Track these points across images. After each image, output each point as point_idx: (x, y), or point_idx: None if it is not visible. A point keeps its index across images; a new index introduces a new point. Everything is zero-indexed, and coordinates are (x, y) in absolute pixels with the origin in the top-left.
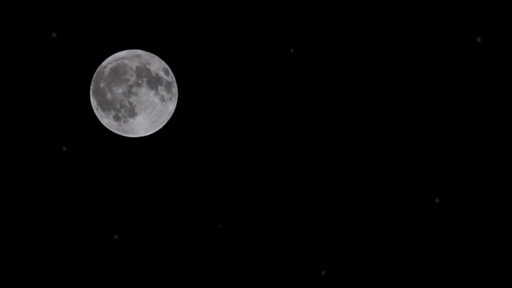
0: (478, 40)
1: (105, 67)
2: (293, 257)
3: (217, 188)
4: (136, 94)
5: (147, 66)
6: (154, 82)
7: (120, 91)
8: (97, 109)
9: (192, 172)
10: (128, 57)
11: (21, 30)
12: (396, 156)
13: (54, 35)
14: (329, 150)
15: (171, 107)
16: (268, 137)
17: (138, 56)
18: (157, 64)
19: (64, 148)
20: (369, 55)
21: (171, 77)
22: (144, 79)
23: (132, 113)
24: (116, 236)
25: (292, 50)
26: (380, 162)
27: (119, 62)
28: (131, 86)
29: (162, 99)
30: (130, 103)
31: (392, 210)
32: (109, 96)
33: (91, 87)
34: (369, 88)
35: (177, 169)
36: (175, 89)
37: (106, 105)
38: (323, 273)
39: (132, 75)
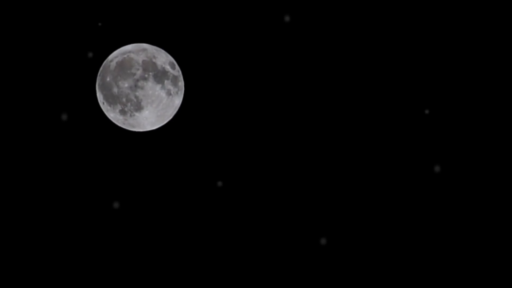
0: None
1: (111, 61)
2: (292, 226)
3: (223, 181)
4: (142, 88)
5: (153, 60)
6: (160, 76)
7: (126, 85)
8: (103, 103)
9: (198, 166)
10: (134, 51)
11: (27, 25)
12: (394, 128)
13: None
14: (330, 125)
15: (178, 101)
16: (273, 131)
17: (144, 50)
18: (163, 58)
19: (65, 117)
20: (367, 23)
21: (177, 71)
22: (150, 73)
23: (138, 107)
24: (120, 229)
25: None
26: (378, 136)
27: (125, 56)
28: (137, 80)
29: (169, 93)
30: (136, 97)
31: (392, 179)
32: (115, 90)
33: (97, 81)
34: (367, 60)
35: (184, 163)
36: (181, 83)
37: (112, 99)
38: (323, 241)
39: (138, 69)
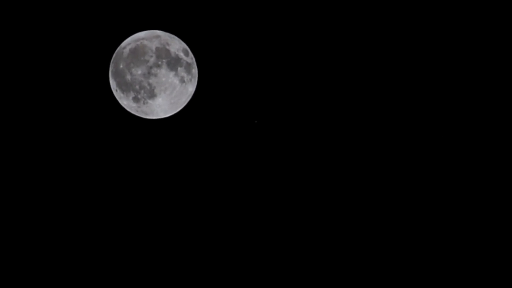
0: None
1: (124, 48)
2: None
3: (235, 169)
4: (155, 75)
5: (167, 47)
6: (173, 63)
7: (139, 72)
8: (116, 90)
9: (212, 153)
10: (147, 38)
11: (40, 13)
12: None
13: None
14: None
15: (191, 88)
16: (287, 118)
17: (158, 36)
18: (176, 45)
19: (78, 104)
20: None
21: (191, 58)
22: (163, 60)
23: (152, 95)
24: (132, 217)
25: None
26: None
27: (139, 43)
28: (151, 67)
29: (182, 80)
30: (149, 84)
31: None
32: (128, 77)
33: (110, 68)
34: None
35: (197, 151)
36: (195, 70)
37: (125, 87)
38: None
39: (151, 56)
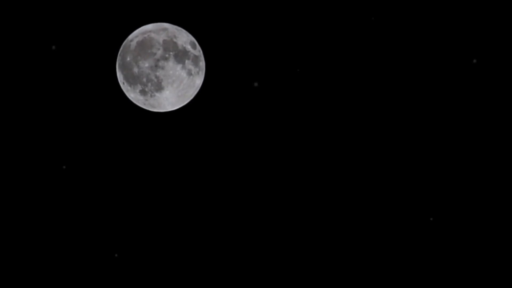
0: (474, 61)
1: (131, 40)
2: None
3: (243, 162)
4: (162, 68)
5: (174, 40)
6: (181, 56)
7: (146, 65)
8: (123, 83)
9: (219, 147)
10: (154, 31)
11: (47, 5)
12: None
13: None
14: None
15: (198, 81)
16: (295, 110)
17: (165, 29)
18: (184, 38)
19: (84, 96)
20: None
21: (198, 51)
22: (171, 53)
23: (159, 88)
24: (138, 211)
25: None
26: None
27: (146, 35)
28: (158, 60)
29: (189, 73)
30: (156, 77)
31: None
32: (135, 70)
33: (117, 61)
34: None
35: (204, 144)
36: (202, 63)
37: (132, 79)
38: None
39: (158, 49)
